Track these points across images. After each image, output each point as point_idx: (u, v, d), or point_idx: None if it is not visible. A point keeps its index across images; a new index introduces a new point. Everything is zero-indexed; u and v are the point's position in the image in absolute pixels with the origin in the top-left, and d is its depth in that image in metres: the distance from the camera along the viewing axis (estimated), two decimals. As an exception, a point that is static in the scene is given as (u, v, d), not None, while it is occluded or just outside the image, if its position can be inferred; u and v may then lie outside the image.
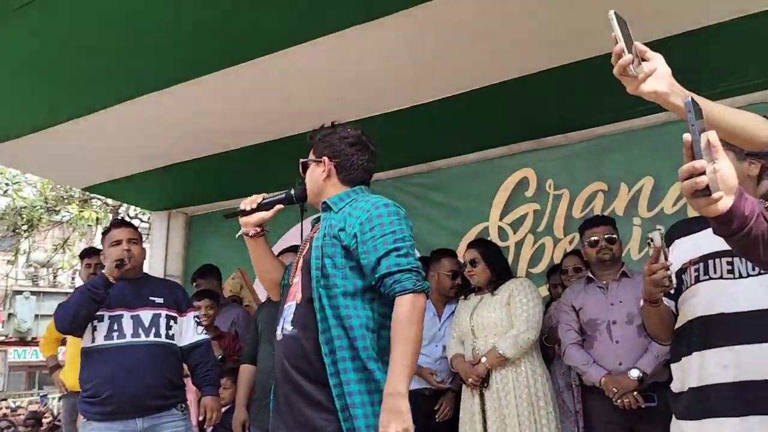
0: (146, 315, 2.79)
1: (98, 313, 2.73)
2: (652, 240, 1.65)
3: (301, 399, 1.74)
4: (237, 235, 2.07)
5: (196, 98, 3.17)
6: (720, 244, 1.25)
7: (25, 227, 11.59)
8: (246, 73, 2.90)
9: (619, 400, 2.68)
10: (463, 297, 3.27)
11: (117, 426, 2.65)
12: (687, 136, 1.06)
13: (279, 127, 3.49)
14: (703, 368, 1.68)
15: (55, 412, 7.01)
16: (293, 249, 3.19)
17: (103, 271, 2.74)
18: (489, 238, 3.74)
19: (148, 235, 7.62)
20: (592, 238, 2.97)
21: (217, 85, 3.00)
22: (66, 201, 11.27)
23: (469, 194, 4.02)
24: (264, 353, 3.19)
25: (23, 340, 15.91)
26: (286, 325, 1.83)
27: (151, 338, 2.76)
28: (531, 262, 3.81)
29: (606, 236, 2.95)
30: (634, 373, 2.67)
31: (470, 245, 3.27)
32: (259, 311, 3.51)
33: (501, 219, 3.92)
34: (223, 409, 3.63)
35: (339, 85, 3.08)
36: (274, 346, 1.92)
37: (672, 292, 1.76)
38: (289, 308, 1.85)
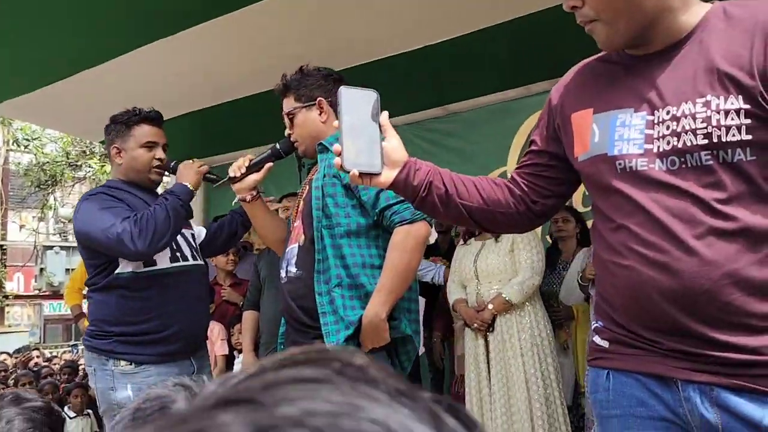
0: (188, 234, 2.34)
1: None
2: None
3: (305, 335, 1.79)
4: (233, 203, 2.04)
5: (209, 44, 3.14)
6: None
7: (48, 183, 11.78)
8: (254, 16, 2.84)
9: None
10: (462, 242, 3.28)
11: (173, 369, 2.16)
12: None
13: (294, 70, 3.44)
14: None
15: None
16: (293, 194, 3.19)
17: (185, 183, 2.22)
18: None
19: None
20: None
21: (230, 29, 2.96)
22: (88, 156, 11.40)
23: (487, 138, 3.94)
24: (269, 299, 3.19)
25: (56, 294, 16.38)
26: (290, 268, 1.85)
27: (201, 261, 2.35)
28: (550, 206, 3.77)
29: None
30: None
31: None
32: (261, 258, 3.49)
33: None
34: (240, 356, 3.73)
35: (348, 25, 3.01)
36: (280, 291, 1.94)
37: None
38: (292, 251, 1.87)
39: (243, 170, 1.94)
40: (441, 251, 4.01)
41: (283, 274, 1.88)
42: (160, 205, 2.13)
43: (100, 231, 2.05)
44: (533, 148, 1.29)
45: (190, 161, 2.27)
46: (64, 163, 11.65)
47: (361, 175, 1.15)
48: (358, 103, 1.16)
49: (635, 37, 1.07)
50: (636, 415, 1.09)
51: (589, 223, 3.24)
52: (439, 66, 3.36)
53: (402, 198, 1.68)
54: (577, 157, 1.16)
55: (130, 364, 2.14)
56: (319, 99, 1.88)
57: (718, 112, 0.98)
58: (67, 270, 15.63)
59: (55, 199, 13.82)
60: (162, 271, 2.20)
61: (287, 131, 1.93)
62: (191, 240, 2.36)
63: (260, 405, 0.27)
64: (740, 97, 0.98)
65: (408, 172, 1.20)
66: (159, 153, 2.30)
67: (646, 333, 1.06)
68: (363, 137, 1.15)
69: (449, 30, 3.07)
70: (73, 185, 12.89)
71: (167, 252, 2.21)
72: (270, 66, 3.39)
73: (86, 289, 4.36)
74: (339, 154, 1.14)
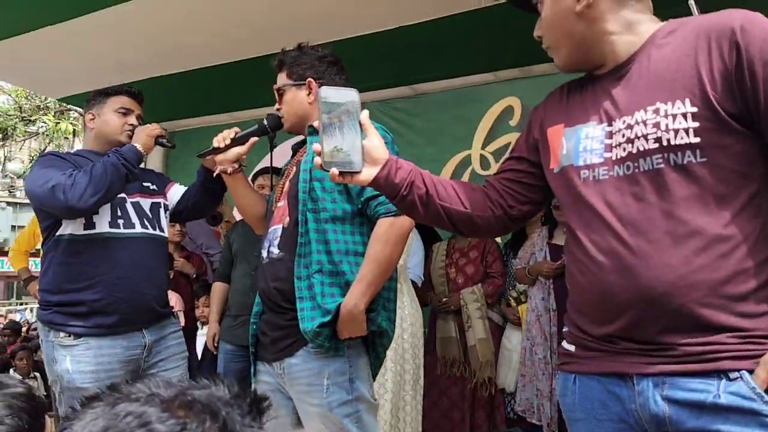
0: (146, 203, 2.28)
1: None
2: None
3: (282, 316, 1.78)
4: (215, 174, 2.03)
5: (175, 9, 3.07)
6: None
7: (-1, 136, 11.35)
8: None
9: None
10: None
11: (120, 342, 2.11)
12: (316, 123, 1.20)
13: (261, 44, 3.40)
14: None
15: (31, 320, 7.08)
16: (266, 171, 3.17)
17: (135, 144, 2.16)
18: (471, 167, 3.76)
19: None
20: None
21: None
22: (42, 111, 10.99)
23: (452, 121, 3.98)
24: (241, 273, 3.20)
25: (0, 251, 15.87)
26: (272, 249, 1.82)
27: (157, 231, 2.28)
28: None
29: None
30: None
31: None
32: (233, 231, 3.48)
33: (483, 147, 3.91)
34: (204, 328, 3.74)
35: (320, 2, 2.98)
36: (253, 266, 1.92)
37: None
38: (275, 232, 1.84)
39: (227, 142, 1.90)
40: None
41: (264, 254, 1.85)
42: (100, 162, 2.09)
43: (39, 186, 2.04)
44: (513, 154, 1.34)
45: (149, 125, 2.26)
46: (16, 116, 11.20)
47: (341, 173, 1.17)
48: (337, 101, 1.18)
49: (580, 60, 1.20)
50: (597, 417, 1.14)
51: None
52: (409, 47, 3.36)
53: None
54: (552, 169, 1.23)
55: (69, 336, 2.09)
56: (309, 80, 1.85)
57: (667, 117, 1.04)
58: (14, 227, 15.16)
59: (5, 154, 13.32)
60: (99, 236, 2.13)
61: (276, 106, 1.92)
62: (147, 209, 2.28)
63: None
64: (687, 100, 1.03)
65: (389, 170, 1.22)
66: (132, 120, 2.29)
67: (604, 335, 1.12)
68: (343, 136, 1.17)
69: (422, 13, 3.08)
70: (24, 140, 12.43)
71: (107, 216, 2.15)
72: (238, 36, 3.36)
73: (34, 250, 4.23)
74: (319, 154, 1.15)
